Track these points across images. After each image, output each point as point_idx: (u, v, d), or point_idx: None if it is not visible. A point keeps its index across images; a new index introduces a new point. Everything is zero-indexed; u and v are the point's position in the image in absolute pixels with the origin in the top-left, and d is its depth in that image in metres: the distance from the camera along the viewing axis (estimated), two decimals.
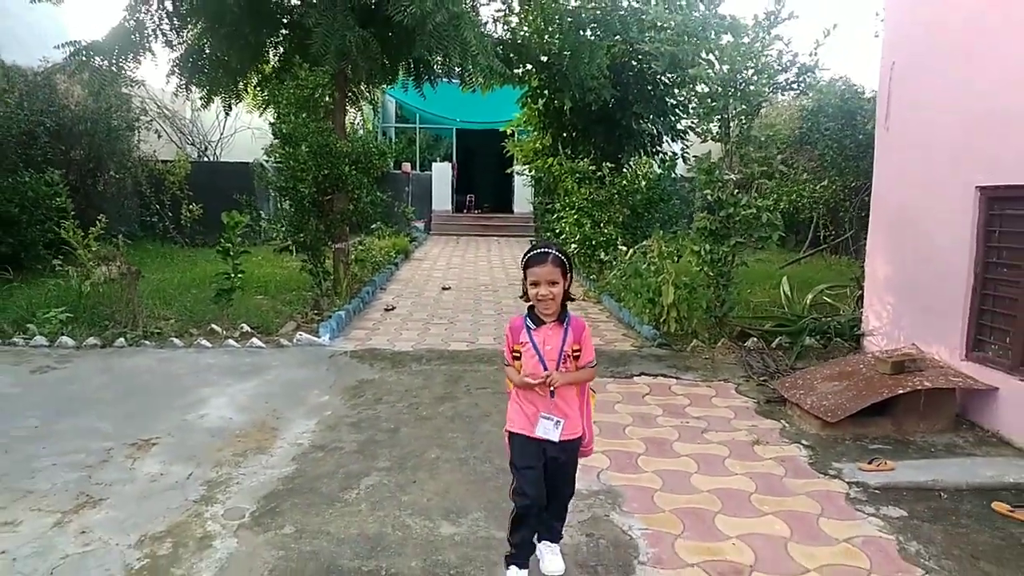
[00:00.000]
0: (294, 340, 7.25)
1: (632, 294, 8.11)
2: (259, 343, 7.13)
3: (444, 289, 11.31)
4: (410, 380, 6.27)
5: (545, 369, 2.91)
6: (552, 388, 2.89)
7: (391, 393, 5.88)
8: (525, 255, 2.95)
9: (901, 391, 4.99)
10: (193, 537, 3.52)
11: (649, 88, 12.28)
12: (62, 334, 7.12)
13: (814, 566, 3.34)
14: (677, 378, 6.41)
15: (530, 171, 15.71)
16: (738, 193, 6.94)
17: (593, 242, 10.79)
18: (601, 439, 4.86)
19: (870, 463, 4.46)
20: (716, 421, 5.33)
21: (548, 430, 2.95)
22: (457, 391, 5.96)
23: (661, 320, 7.47)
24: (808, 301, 7.84)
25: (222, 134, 19.56)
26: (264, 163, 17.47)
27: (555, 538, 3.21)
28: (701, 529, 3.68)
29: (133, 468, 4.33)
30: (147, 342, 7.11)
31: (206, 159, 19.01)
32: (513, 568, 3.07)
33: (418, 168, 24.40)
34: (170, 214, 15.56)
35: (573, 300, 3.04)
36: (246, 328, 7.52)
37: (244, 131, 19.44)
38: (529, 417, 2.97)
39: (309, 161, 7.88)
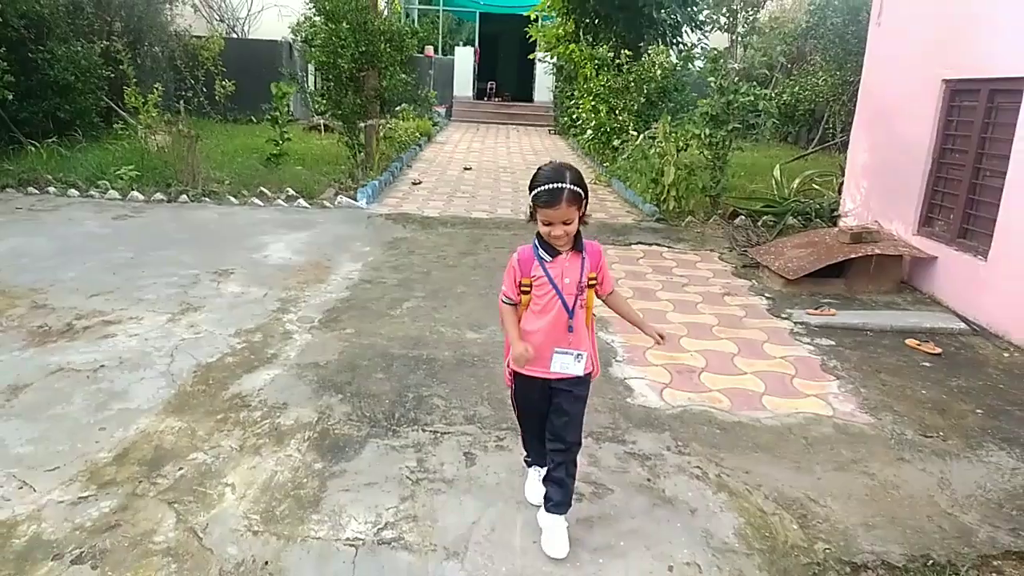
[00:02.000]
0: (335, 203, 8.22)
1: (637, 175, 8.93)
2: (304, 204, 8.11)
3: (466, 169, 12.13)
4: (437, 239, 7.25)
5: (565, 306, 2.57)
6: (570, 324, 2.58)
7: (422, 247, 6.88)
8: (533, 185, 2.49)
9: (853, 256, 5.91)
10: (277, 332, 4.60)
11: None
12: (132, 189, 8.11)
13: (751, 371, 4.38)
14: (669, 247, 7.35)
15: (551, 57, 16.08)
16: (739, 81, 7.62)
17: (607, 128, 11.46)
18: None
19: (816, 310, 5.45)
20: (696, 279, 6.31)
21: (568, 365, 2.61)
22: (478, 248, 6.95)
23: (661, 199, 8.32)
24: (795, 186, 8.64)
25: (249, 11, 19.86)
26: (292, 41, 17.98)
27: (562, 509, 2.74)
28: (668, 346, 4.70)
29: (219, 288, 5.39)
30: (207, 199, 8.11)
31: (234, 35, 19.40)
32: (534, 468, 3.00)
33: (440, 53, 24.53)
34: (204, 89, 16.21)
35: (587, 224, 2.63)
36: (291, 192, 8.48)
37: (271, 8, 19.68)
38: (538, 353, 2.60)
39: (349, 37, 8.56)
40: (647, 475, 3.30)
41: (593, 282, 2.65)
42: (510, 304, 2.68)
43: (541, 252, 2.58)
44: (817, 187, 8.95)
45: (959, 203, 5.77)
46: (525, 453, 3.04)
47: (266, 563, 2.66)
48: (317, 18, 10.38)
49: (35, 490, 2.99)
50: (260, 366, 4.10)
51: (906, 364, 4.61)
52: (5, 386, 3.78)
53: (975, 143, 5.60)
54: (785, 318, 5.35)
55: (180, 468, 3.16)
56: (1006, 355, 4.83)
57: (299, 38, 17.71)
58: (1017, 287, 4.98)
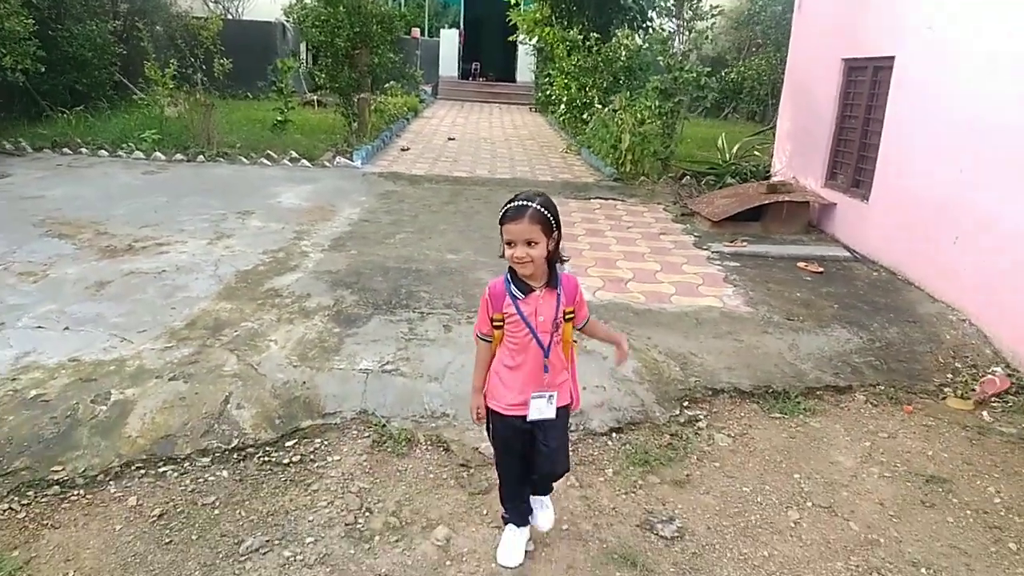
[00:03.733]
0: (334, 163, 9.39)
1: (600, 142, 10.14)
2: (307, 164, 9.27)
3: (450, 139, 13.29)
4: (424, 192, 8.44)
5: (540, 345, 2.49)
6: (545, 363, 2.51)
7: (410, 198, 8.07)
8: (503, 208, 2.41)
9: (768, 202, 7.16)
10: (296, 252, 5.79)
11: None
12: (155, 151, 9.22)
13: (667, 281, 5.63)
14: (622, 200, 8.58)
15: (529, 39, 17.19)
16: (682, 60, 8.83)
17: (578, 103, 12.64)
18: None
19: (731, 242, 6.70)
20: (640, 223, 7.54)
21: (542, 410, 2.56)
22: (458, 199, 8.15)
23: (620, 162, 9.54)
24: (735, 152, 9.88)
25: None
26: (285, 22, 18.98)
27: (546, 491, 2.88)
28: (606, 266, 5.95)
29: (244, 223, 6.56)
30: (221, 159, 9.26)
31: (229, 16, 20.34)
32: (510, 527, 2.82)
33: (427, 34, 25.53)
34: (203, 66, 17.19)
35: (565, 261, 2.56)
36: (295, 154, 9.62)
37: None
38: (513, 390, 2.56)
39: (345, 19, 9.67)
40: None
41: (570, 316, 2.56)
42: (484, 341, 2.61)
43: (513, 288, 2.48)
44: (758, 153, 10.19)
45: (853, 160, 7.02)
46: (502, 509, 2.87)
47: (304, 383, 3.88)
48: (310, 0, 11.43)
49: (132, 343, 4.18)
50: (286, 272, 5.30)
51: (791, 278, 5.88)
52: (93, 282, 4.96)
53: (864, 111, 6.84)
54: (705, 249, 6.60)
55: (236, 331, 4.36)
56: (874, 274, 6.11)
57: (291, 19, 18.73)
58: (886, 222, 6.25)
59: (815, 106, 7.78)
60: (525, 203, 2.37)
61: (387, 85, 15.84)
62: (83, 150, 9.21)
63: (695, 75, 8.72)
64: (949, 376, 4.53)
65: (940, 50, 5.61)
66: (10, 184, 7.54)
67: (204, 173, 8.64)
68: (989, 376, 4.40)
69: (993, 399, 4.25)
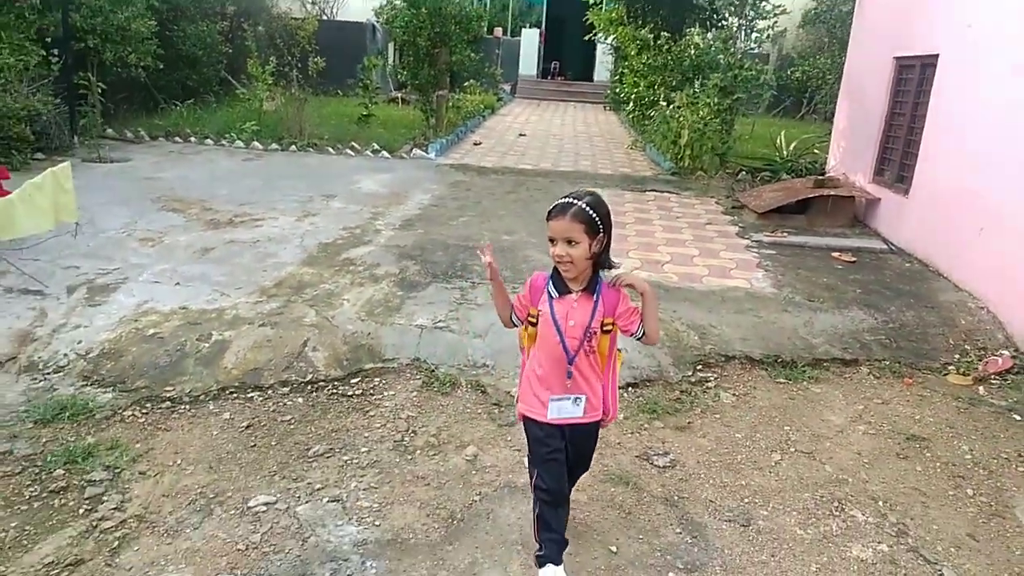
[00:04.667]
0: (411, 155, 10.22)
1: (660, 137, 10.57)
2: (386, 155, 10.13)
3: (520, 135, 13.94)
4: (490, 182, 9.12)
5: (566, 350, 2.41)
6: (568, 370, 2.44)
7: (477, 187, 8.76)
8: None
9: (812, 196, 7.47)
10: (371, 229, 6.56)
11: None
12: (253, 140, 10.27)
13: (702, 264, 6.09)
14: (676, 193, 9.02)
15: (605, 38, 17.63)
16: (742, 58, 9.16)
17: (646, 101, 13.06)
18: None
19: (772, 232, 7.07)
20: (689, 214, 7.98)
21: (565, 409, 2.48)
22: (520, 188, 8.79)
23: (678, 157, 9.95)
24: (792, 149, 10.11)
25: None
26: (375, 23, 20.10)
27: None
28: (647, 249, 6.46)
29: (327, 204, 7.40)
30: (311, 149, 10.24)
31: (324, 17, 21.66)
32: (549, 567, 2.58)
33: (509, 34, 26.25)
34: (299, 65, 18.47)
35: (612, 267, 2.46)
36: (376, 146, 10.50)
37: None
38: (542, 400, 2.49)
39: (426, 20, 10.48)
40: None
41: (609, 328, 2.46)
42: (513, 318, 2.60)
43: (551, 286, 2.43)
44: (817, 151, 10.39)
45: (898, 156, 7.26)
46: (538, 546, 2.62)
47: (369, 334, 4.59)
48: (398, 2, 12.30)
49: (230, 297, 5.00)
50: (361, 245, 6.07)
51: (823, 266, 6.23)
52: (199, 248, 5.85)
53: (911, 108, 7.07)
54: (746, 238, 7.00)
55: (315, 291, 5.13)
56: (906, 265, 6.38)
57: (381, 20, 19.85)
58: (922, 216, 6.50)
59: (867, 104, 8.01)
60: (571, 201, 2.30)
61: (466, 83, 16.66)
62: (192, 139, 10.36)
63: (754, 73, 9.04)
64: (956, 356, 4.84)
65: (977, 48, 5.85)
66: (132, 167, 8.67)
67: (295, 161, 9.60)
68: (993, 356, 4.70)
69: (993, 377, 4.56)
